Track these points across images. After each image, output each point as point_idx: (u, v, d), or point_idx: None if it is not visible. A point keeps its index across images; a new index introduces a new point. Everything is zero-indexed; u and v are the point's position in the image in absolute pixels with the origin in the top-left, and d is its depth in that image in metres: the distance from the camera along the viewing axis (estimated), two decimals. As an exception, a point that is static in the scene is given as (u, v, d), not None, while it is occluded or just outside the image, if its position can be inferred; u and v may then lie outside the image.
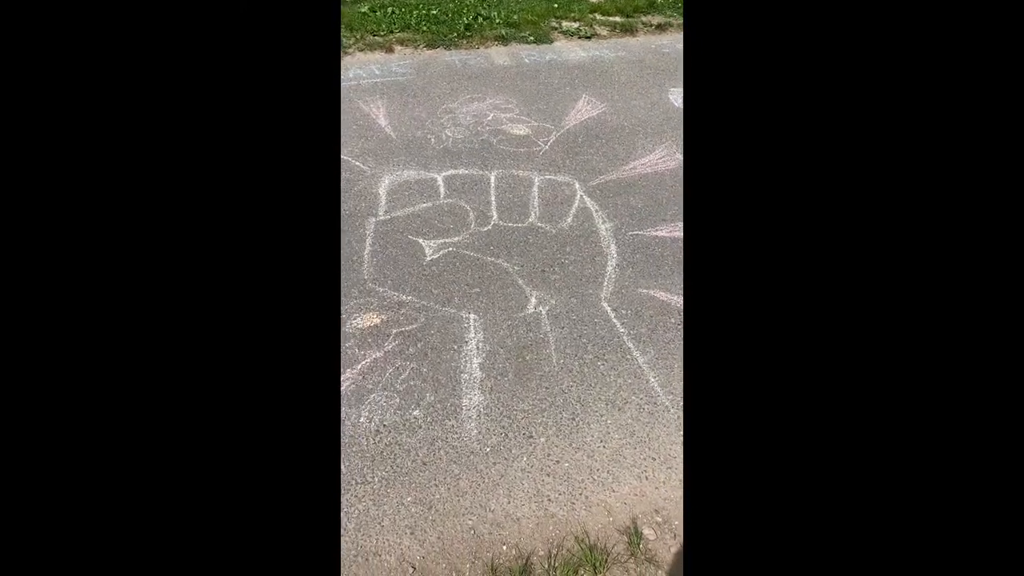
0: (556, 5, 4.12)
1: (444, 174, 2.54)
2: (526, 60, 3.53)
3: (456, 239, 2.17)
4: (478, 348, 1.75)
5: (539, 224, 2.26)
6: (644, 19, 4.08)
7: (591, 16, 4.08)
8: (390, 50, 3.80)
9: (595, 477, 1.44)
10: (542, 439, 1.52)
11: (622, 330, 1.83)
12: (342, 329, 1.79)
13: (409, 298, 1.93)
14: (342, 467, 1.43)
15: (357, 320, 1.84)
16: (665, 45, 3.81)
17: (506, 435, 1.52)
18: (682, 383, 1.68)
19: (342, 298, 1.90)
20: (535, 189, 2.45)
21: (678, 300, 1.94)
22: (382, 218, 2.30)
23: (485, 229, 2.23)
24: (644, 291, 1.98)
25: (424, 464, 1.45)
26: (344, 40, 3.74)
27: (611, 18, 4.06)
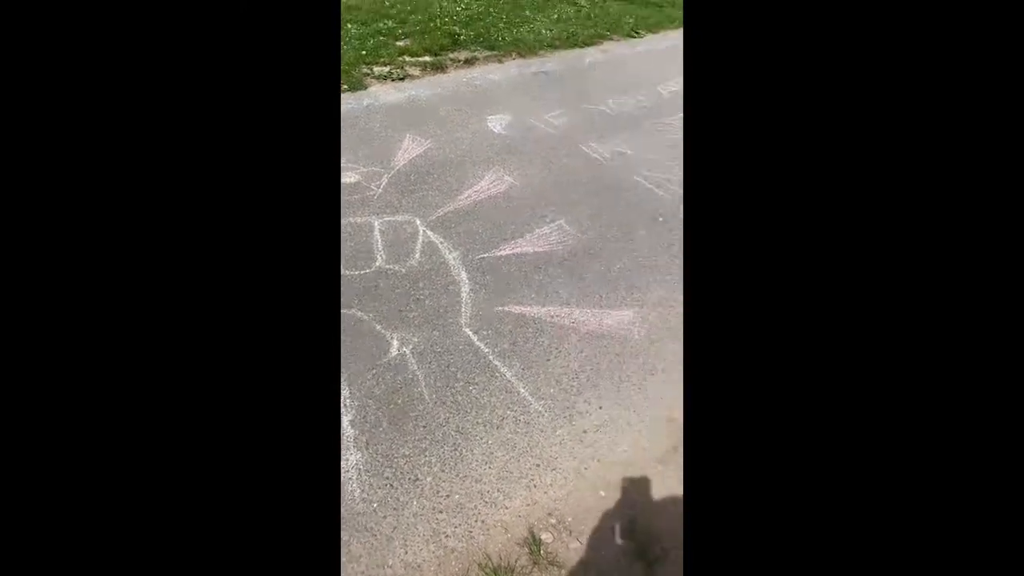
0: (364, 52, 4.18)
1: (278, 235, 2.43)
2: (344, 108, 3.52)
3: (303, 299, 2.09)
4: (346, 405, 1.69)
5: (387, 266, 2.26)
6: (452, 56, 4.30)
7: (400, 58, 4.20)
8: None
9: (486, 499, 1.46)
10: (428, 478, 1.51)
11: (486, 350, 1.89)
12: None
13: (262, 372, 1.80)
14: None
15: (205, 410, 1.68)
16: (476, 77, 4.05)
17: (391, 485, 1.49)
18: (551, 386, 1.78)
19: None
20: (376, 233, 2.45)
21: (531, 310, 2.06)
22: (216, 294, 2.12)
23: (332, 283, 2.17)
24: (500, 308, 2.06)
25: (309, 542, 1.36)
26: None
27: (420, 58, 4.22)
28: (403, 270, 2.24)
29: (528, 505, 1.46)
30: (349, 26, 4.61)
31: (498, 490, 1.49)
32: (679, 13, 5.33)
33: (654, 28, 5.02)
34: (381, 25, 4.66)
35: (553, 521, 1.43)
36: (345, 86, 3.75)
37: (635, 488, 1.51)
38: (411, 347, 1.89)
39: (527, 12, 5.14)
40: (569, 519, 1.44)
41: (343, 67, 3.95)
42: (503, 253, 2.35)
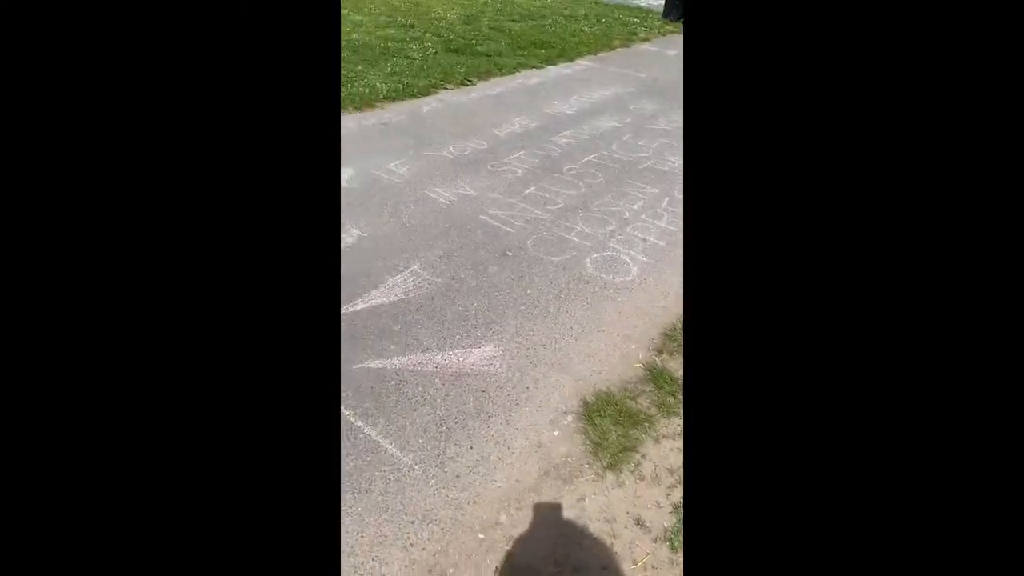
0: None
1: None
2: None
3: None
4: (190, 505, 1.50)
5: (229, 341, 2.08)
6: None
7: (228, 120, 4.00)
8: None
9: (361, 572, 1.38)
10: (294, 565, 1.38)
11: (347, 413, 1.81)
12: None
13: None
14: None
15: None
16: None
17: (251, 584, 1.34)
18: (419, 437, 1.74)
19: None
20: (214, 307, 2.26)
21: (392, 363, 2.02)
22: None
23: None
24: (359, 366, 1.99)
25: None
26: None
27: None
28: (248, 342, 2.08)
29: (406, 566, 1.40)
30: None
31: (373, 559, 1.41)
32: (507, 61, 5.74)
33: (484, 76, 5.34)
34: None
35: (434, 577, 1.38)
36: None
37: (512, 522, 1.52)
38: (263, 424, 1.75)
39: (360, 67, 5.19)
40: (451, 571, 1.40)
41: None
42: (358, 308, 2.29)
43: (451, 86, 5.04)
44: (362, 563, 1.40)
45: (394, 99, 4.63)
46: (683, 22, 7.93)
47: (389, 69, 5.22)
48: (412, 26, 6.72)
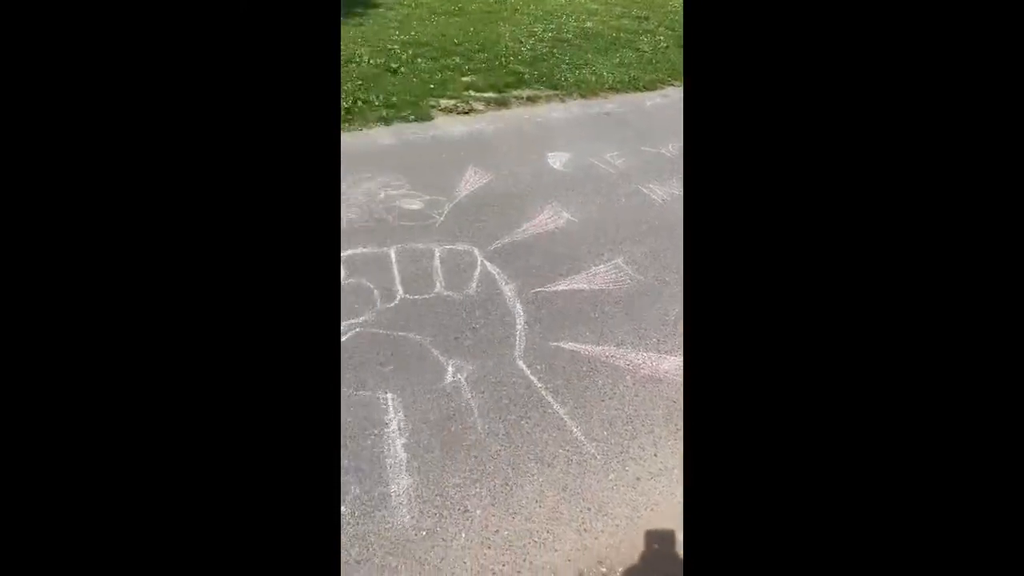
0: (432, 86, 4.36)
1: (343, 255, 2.52)
2: (410, 138, 3.66)
3: (363, 318, 2.14)
4: (400, 428, 1.70)
5: (445, 293, 2.30)
6: (515, 93, 4.43)
7: (466, 93, 4.35)
8: (270, 138, 3.74)
9: (535, 539, 1.43)
10: (478, 511, 1.49)
11: (539, 385, 1.88)
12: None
13: (320, 387, 1.84)
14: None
15: (265, 420, 1.72)
16: (538, 115, 4.15)
17: (440, 515, 1.48)
18: (604, 429, 1.74)
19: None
20: (436, 260, 2.50)
21: (586, 348, 2.04)
22: (281, 308, 2.20)
23: (391, 305, 2.22)
24: (554, 344, 2.06)
25: (358, 563, 1.36)
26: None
27: (485, 94, 4.36)
28: (460, 298, 2.27)
29: (578, 550, 1.42)
30: (419, 60, 4.83)
31: (548, 531, 1.45)
32: (741, 62, 5.36)
33: (716, 76, 5.05)
34: (449, 61, 4.86)
35: (604, 570, 1.38)
36: (412, 117, 3.91)
37: (690, 544, 1.45)
38: (466, 375, 1.90)
39: (589, 55, 5.27)
40: (620, 569, 1.39)
41: (411, 99, 4.13)
42: (559, 288, 2.36)
43: (678, 83, 4.86)
44: (537, 531, 1.45)
45: (618, 90, 4.62)
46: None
47: (617, 60, 5.21)
48: (646, 18, 6.61)
